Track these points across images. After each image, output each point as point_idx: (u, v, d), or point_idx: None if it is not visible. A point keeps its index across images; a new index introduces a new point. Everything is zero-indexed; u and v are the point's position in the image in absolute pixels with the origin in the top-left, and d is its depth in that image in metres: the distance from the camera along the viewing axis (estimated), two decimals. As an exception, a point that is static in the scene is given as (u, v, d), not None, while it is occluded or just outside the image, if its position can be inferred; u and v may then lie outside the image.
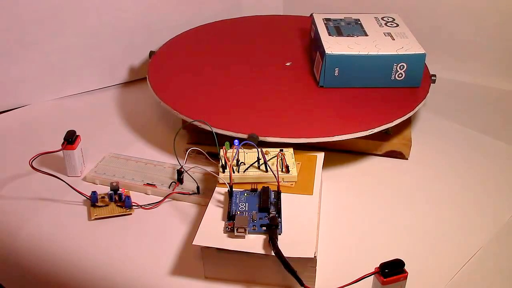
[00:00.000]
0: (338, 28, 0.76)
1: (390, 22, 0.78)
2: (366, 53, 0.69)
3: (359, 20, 0.79)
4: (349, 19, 0.79)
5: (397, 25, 0.77)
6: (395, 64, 0.69)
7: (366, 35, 0.74)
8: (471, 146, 0.71)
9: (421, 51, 0.69)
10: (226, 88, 0.72)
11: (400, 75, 0.70)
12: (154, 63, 0.79)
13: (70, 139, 0.62)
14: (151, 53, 0.81)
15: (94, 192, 0.58)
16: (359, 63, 0.69)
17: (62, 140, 0.62)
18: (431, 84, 0.73)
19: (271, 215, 0.51)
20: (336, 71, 0.69)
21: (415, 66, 0.69)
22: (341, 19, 0.79)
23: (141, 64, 0.88)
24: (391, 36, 0.73)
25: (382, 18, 0.79)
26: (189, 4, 0.90)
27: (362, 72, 0.70)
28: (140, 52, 0.87)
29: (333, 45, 0.70)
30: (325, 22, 0.78)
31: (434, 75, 0.74)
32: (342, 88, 0.71)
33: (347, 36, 0.73)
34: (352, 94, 0.70)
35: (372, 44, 0.71)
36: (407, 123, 0.71)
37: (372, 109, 0.66)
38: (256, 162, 0.57)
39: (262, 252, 0.48)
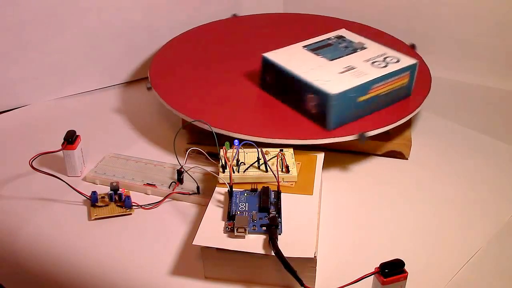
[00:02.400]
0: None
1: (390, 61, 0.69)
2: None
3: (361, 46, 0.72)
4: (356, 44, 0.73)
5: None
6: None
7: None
8: (471, 146, 0.71)
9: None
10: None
11: None
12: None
13: (70, 139, 0.62)
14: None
15: (94, 192, 0.58)
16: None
17: (62, 140, 0.62)
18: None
19: (271, 215, 0.51)
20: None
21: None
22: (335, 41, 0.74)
23: (141, 64, 0.88)
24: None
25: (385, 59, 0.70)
26: (189, 4, 0.90)
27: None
28: (140, 52, 0.87)
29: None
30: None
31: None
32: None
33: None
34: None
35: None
36: (407, 123, 0.71)
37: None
38: (256, 162, 0.57)
39: (262, 252, 0.48)
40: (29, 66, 0.78)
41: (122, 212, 0.58)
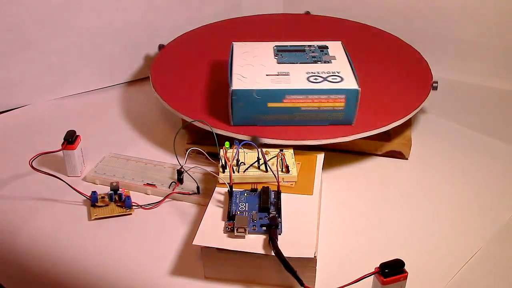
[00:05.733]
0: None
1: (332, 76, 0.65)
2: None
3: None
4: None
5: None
6: None
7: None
8: (471, 146, 0.71)
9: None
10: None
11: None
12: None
13: (70, 139, 0.62)
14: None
15: (94, 192, 0.58)
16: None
17: (62, 140, 0.62)
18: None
19: (271, 215, 0.51)
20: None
21: None
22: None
23: (141, 64, 0.88)
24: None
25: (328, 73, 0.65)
26: (190, 4, 0.90)
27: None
28: (140, 52, 0.87)
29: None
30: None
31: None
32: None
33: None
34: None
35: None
36: (407, 123, 0.71)
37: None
38: (256, 162, 0.57)
39: (262, 252, 0.48)
40: (29, 66, 0.78)
41: (122, 212, 0.58)
